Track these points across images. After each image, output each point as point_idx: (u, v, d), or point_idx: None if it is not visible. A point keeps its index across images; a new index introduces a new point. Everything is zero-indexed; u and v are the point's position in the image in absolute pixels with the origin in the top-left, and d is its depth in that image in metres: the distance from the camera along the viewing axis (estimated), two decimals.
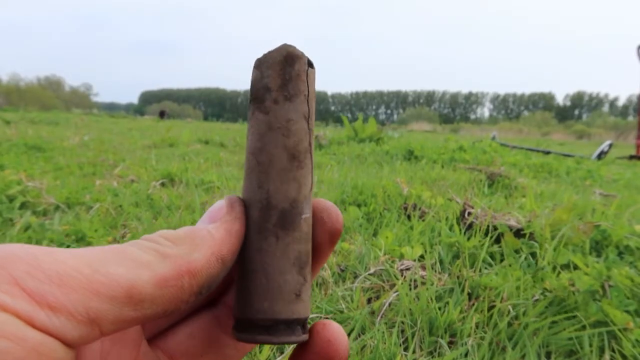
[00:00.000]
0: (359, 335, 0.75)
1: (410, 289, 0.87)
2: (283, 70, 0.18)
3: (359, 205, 1.48)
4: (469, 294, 0.87)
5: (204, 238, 0.17)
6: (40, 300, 0.13)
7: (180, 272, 0.15)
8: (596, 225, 1.09)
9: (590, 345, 0.72)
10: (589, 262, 0.91)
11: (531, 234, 1.08)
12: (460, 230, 1.14)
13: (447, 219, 1.25)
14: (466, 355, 0.71)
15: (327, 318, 0.80)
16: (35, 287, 0.13)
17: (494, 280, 0.86)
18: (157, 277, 0.15)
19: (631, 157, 5.26)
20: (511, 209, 1.45)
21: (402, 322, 0.78)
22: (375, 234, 1.24)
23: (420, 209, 1.39)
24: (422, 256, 1.04)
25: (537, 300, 0.83)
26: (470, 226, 1.17)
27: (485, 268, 0.98)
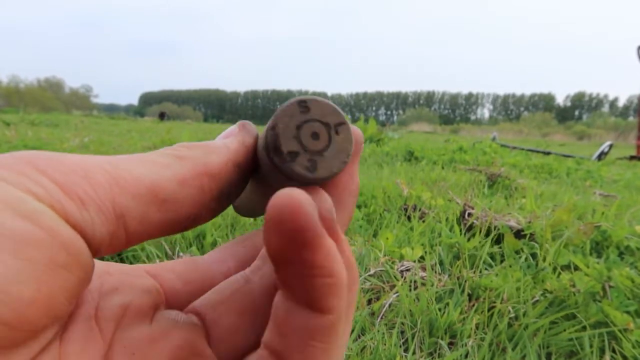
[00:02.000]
0: (359, 337, 0.75)
1: (410, 290, 0.87)
2: None
3: (359, 207, 1.48)
4: (469, 294, 0.87)
5: (219, 147, 0.17)
6: (70, 192, 0.12)
7: (199, 172, 0.15)
8: (596, 226, 1.09)
9: (591, 346, 0.72)
10: (589, 263, 0.91)
11: (531, 234, 1.08)
12: (460, 231, 1.14)
13: (447, 219, 1.25)
14: (466, 356, 0.71)
15: None
16: (64, 180, 0.12)
17: (494, 281, 0.86)
18: (178, 176, 0.15)
19: (631, 158, 5.26)
20: (511, 209, 1.45)
21: (402, 323, 0.77)
22: (375, 235, 1.24)
23: (420, 210, 1.39)
24: (422, 257, 1.03)
25: (537, 301, 0.83)
26: (470, 227, 1.17)
27: (486, 269, 0.98)
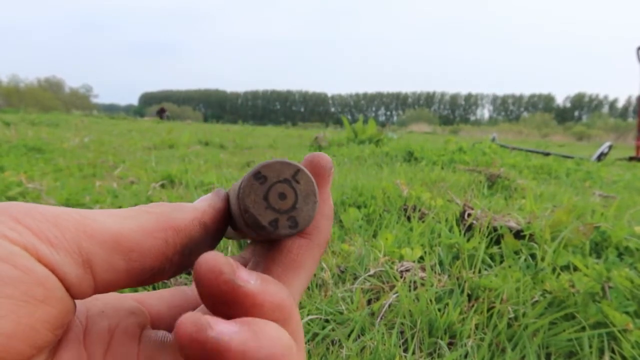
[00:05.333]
0: (359, 337, 0.75)
1: (410, 290, 0.87)
2: None
3: (358, 207, 1.48)
4: (468, 295, 0.87)
5: (188, 206, 0.18)
6: (41, 236, 0.13)
7: (164, 226, 0.16)
8: (596, 227, 1.09)
9: (590, 347, 0.72)
10: (588, 264, 0.91)
11: (531, 235, 1.08)
12: (460, 231, 1.14)
13: (446, 220, 1.25)
14: (466, 356, 0.71)
15: (327, 319, 0.80)
16: (35, 225, 0.14)
17: (494, 281, 0.86)
18: (142, 227, 0.16)
19: (631, 159, 5.27)
20: (511, 210, 1.45)
21: (402, 324, 0.78)
22: (375, 236, 1.25)
23: (420, 210, 1.39)
24: (421, 257, 1.04)
25: (536, 301, 0.83)
26: (470, 227, 1.17)
27: (485, 269, 0.98)
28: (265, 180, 0.17)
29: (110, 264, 0.15)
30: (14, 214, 0.14)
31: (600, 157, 4.78)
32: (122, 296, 0.19)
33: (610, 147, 5.06)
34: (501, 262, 1.02)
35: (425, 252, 1.01)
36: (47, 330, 0.13)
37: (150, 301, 0.20)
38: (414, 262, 1.00)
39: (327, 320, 0.79)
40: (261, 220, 0.17)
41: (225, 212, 0.19)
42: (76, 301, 0.17)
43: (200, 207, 0.18)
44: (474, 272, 0.93)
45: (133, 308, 0.19)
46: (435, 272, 0.95)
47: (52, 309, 0.13)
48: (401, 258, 1.03)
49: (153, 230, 0.16)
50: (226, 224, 0.19)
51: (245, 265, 0.22)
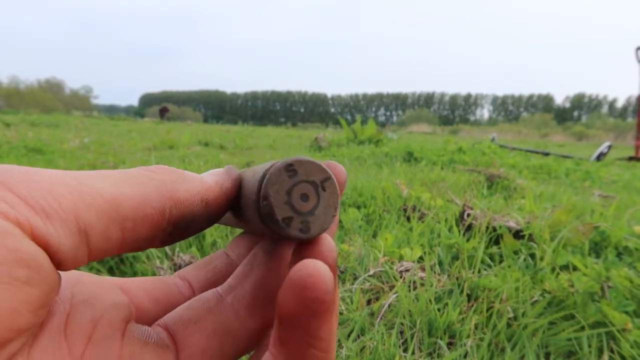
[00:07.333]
0: (359, 337, 0.75)
1: (409, 290, 0.87)
2: None
3: (358, 207, 1.49)
4: (468, 295, 0.87)
5: (194, 178, 0.17)
6: (35, 206, 0.13)
7: (163, 196, 0.16)
8: (595, 227, 1.09)
9: (589, 346, 0.72)
10: (588, 263, 0.91)
11: (530, 235, 1.08)
12: (459, 231, 1.14)
13: (446, 220, 1.25)
14: (465, 356, 0.71)
15: None
16: (29, 194, 0.13)
17: (493, 281, 0.87)
18: (139, 194, 0.15)
19: (630, 159, 5.27)
20: (510, 210, 1.46)
21: (402, 324, 0.78)
22: (374, 236, 1.25)
23: (419, 210, 1.40)
24: (421, 257, 1.04)
25: (536, 301, 0.83)
26: (469, 227, 1.18)
27: (485, 269, 0.99)
28: (295, 174, 0.16)
29: (106, 233, 0.14)
30: (7, 182, 0.13)
31: (599, 157, 4.79)
32: (109, 285, 0.18)
33: (609, 147, 5.06)
34: (500, 262, 1.03)
35: (424, 252, 1.02)
36: (29, 312, 0.12)
37: (134, 291, 0.19)
38: (413, 262, 1.00)
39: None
40: (276, 212, 0.16)
41: (232, 194, 0.18)
42: (62, 284, 0.16)
43: (206, 183, 0.17)
44: (473, 272, 0.93)
45: (120, 301, 0.18)
46: (434, 272, 0.96)
47: (35, 289, 0.12)
48: (401, 258, 1.03)
49: (150, 199, 0.15)
50: (229, 206, 0.18)
51: (232, 264, 0.22)
